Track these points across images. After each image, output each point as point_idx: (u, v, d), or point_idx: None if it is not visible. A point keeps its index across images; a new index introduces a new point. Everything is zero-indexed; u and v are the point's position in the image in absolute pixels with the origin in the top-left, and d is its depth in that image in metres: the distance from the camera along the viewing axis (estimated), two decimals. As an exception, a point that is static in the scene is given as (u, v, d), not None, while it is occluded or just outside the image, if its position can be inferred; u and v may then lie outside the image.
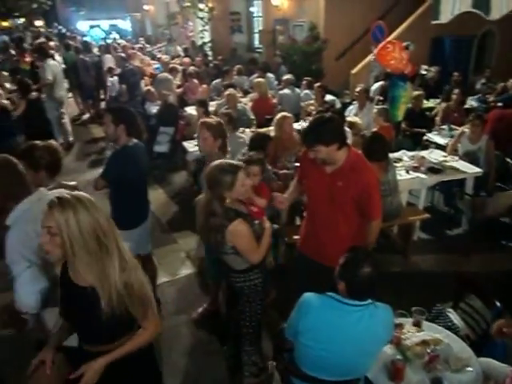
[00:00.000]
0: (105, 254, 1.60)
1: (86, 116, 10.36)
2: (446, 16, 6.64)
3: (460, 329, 2.78)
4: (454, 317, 2.88)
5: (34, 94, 6.52)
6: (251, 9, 13.46)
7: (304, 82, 7.51)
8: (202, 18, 14.03)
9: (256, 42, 13.63)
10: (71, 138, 8.28)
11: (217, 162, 2.52)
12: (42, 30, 20.88)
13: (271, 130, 5.49)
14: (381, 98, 6.90)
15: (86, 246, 1.56)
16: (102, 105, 10.28)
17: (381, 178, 3.78)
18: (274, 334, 3.16)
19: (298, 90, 7.42)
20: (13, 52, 12.06)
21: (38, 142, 2.90)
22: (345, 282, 2.01)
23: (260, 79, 7.29)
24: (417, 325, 2.53)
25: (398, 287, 3.68)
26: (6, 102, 5.79)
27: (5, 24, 23.22)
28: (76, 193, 1.64)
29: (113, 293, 1.60)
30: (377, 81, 7.94)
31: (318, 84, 6.87)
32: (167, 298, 4.02)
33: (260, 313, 2.77)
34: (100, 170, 3.31)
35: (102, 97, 10.55)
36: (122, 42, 14.93)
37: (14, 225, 2.03)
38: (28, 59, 10.65)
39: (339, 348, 2.02)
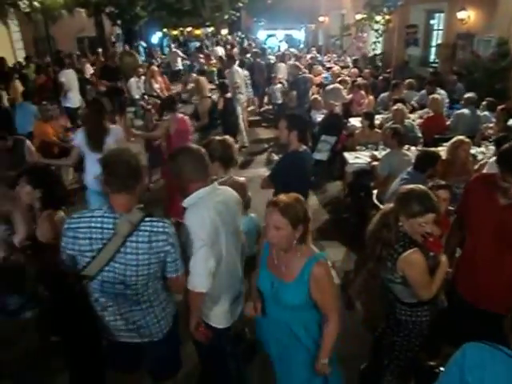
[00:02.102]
0: None
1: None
2: None
3: None
4: None
5: (229, 94, 7.53)
6: (431, 21, 12.77)
7: (484, 103, 6.80)
8: (376, 30, 13.83)
9: (432, 57, 12.87)
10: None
11: (421, 186, 2.40)
12: (225, 37, 23.30)
13: (440, 151, 5.14)
14: None
15: None
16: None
17: None
18: (417, 373, 2.95)
19: (477, 110, 6.77)
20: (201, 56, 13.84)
21: (216, 136, 3.26)
22: None
23: (437, 95, 6.88)
24: None
25: None
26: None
27: (197, 32, 26.52)
28: None
29: None
30: None
31: (501, 106, 6.15)
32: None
33: (417, 350, 2.60)
34: (261, 170, 3.54)
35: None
36: (294, 51, 15.67)
37: (190, 208, 2.26)
38: (213, 61, 12.11)
39: None
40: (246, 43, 20.23)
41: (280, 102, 10.36)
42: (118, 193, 2.01)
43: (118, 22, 13.37)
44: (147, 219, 2.03)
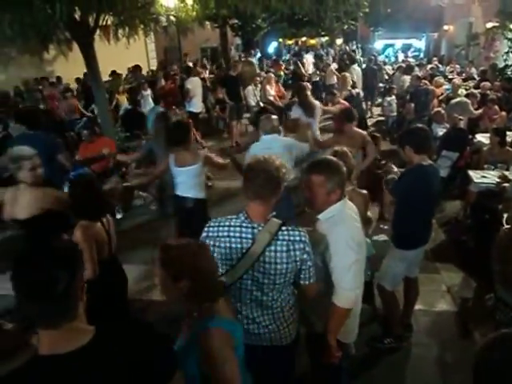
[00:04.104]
0: None
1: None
2: None
3: None
4: None
5: (357, 90, 8.63)
6: None
7: None
8: (510, 39, 12.61)
9: None
10: None
11: None
12: (340, 47, 23.19)
13: None
14: None
15: None
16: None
17: None
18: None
19: None
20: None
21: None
22: None
23: None
24: None
25: None
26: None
27: (312, 42, 26.77)
28: None
29: None
30: None
31: None
32: (420, 327, 3.87)
33: None
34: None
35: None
36: (413, 61, 15.03)
37: (333, 220, 2.23)
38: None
39: None
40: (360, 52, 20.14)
41: (394, 114, 10.03)
42: (252, 200, 2.04)
43: (240, 33, 14.14)
44: (284, 228, 2.04)
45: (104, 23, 6.68)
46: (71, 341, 1.26)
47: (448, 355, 3.61)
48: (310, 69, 15.02)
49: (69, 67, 10.86)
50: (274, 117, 4.57)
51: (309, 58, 17.05)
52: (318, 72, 13.53)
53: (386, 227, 5.03)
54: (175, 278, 1.65)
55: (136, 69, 11.87)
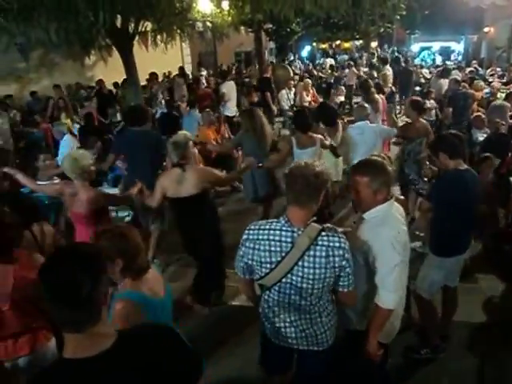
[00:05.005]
0: None
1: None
2: None
3: None
4: None
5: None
6: None
7: None
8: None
9: None
10: None
11: None
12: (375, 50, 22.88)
13: None
14: None
15: None
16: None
17: None
18: None
19: None
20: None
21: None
22: None
23: None
24: None
25: None
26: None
27: (347, 45, 26.57)
28: None
29: None
30: None
31: None
32: (458, 338, 3.74)
33: None
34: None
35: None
36: (451, 64, 14.65)
37: (378, 221, 2.25)
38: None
39: None
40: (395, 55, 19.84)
41: (432, 118, 9.80)
42: (291, 205, 2.06)
43: (274, 37, 14.23)
44: (324, 233, 2.04)
45: (143, 29, 6.88)
46: (95, 345, 1.28)
47: (486, 368, 3.49)
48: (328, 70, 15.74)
49: (107, 72, 11.24)
50: (367, 105, 5.37)
51: (327, 62, 18.01)
52: (334, 74, 13.71)
53: (421, 234, 4.94)
54: (110, 258, 1.86)
55: (152, 77, 11.87)
